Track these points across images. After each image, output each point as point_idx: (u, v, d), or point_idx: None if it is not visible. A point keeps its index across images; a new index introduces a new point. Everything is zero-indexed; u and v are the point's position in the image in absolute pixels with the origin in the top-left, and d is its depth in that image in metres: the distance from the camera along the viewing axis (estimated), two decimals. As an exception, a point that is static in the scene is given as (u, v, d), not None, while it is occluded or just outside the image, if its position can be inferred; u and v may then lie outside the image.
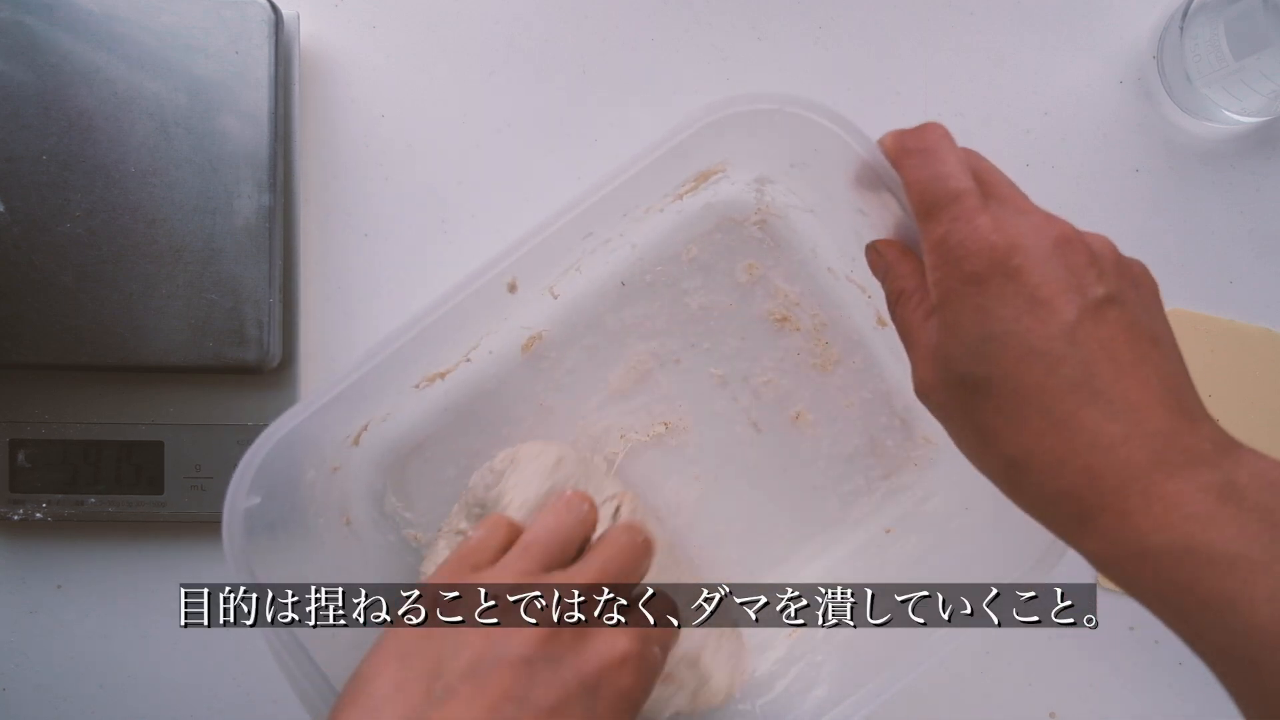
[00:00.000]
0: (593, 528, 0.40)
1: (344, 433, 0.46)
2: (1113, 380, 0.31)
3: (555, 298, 0.49)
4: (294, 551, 0.43)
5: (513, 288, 0.44)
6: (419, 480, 0.50)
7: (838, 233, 0.49)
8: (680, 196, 0.48)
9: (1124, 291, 0.33)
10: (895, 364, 0.50)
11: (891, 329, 0.40)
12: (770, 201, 0.50)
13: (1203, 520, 0.29)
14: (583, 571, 0.37)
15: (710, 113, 0.40)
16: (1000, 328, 0.32)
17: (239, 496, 0.38)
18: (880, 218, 0.41)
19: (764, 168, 0.49)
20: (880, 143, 0.38)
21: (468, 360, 0.49)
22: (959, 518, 0.48)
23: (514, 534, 0.39)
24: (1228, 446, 0.31)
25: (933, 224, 0.34)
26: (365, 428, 0.47)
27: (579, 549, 0.39)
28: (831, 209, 0.48)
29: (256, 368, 0.48)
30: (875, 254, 0.40)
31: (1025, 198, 0.36)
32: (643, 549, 0.39)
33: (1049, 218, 0.34)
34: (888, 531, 0.50)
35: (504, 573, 0.37)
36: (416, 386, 0.47)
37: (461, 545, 0.39)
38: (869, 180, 0.39)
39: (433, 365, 0.47)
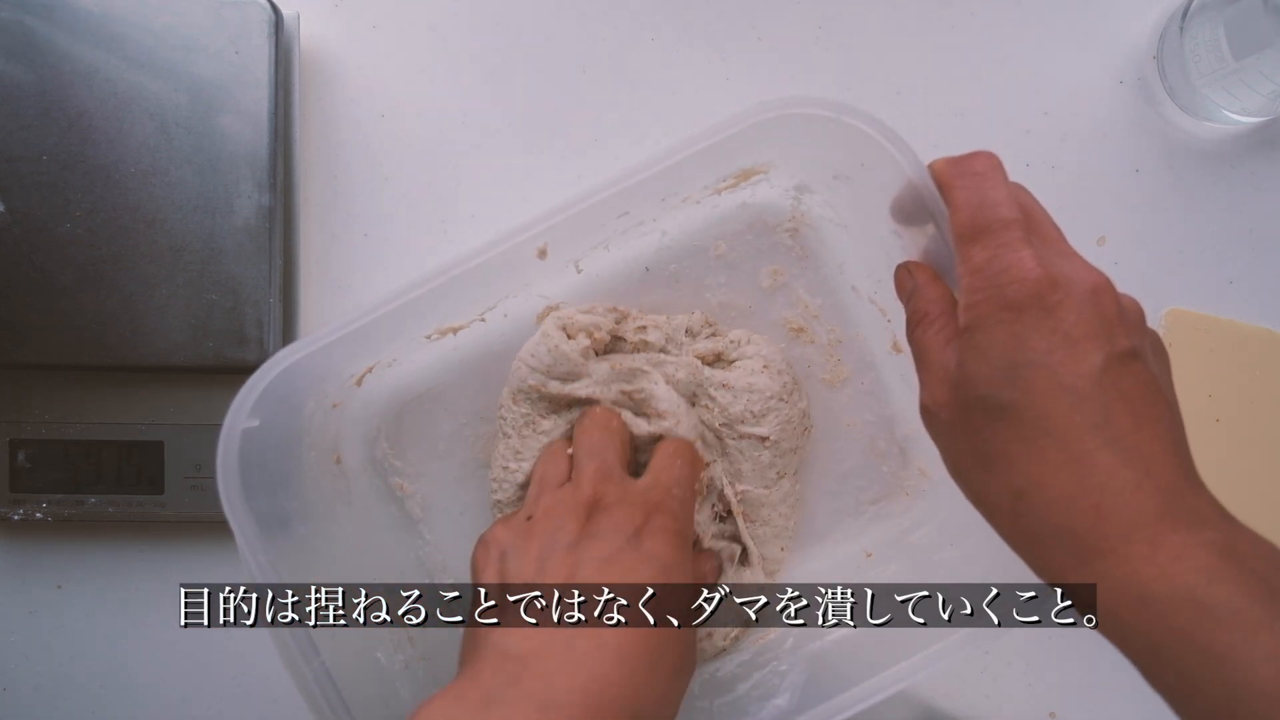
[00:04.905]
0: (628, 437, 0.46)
1: (349, 371, 0.47)
2: (1130, 429, 0.32)
3: (579, 272, 0.49)
4: (282, 480, 0.43)
5: (542, 254, 0.44)
6: (412, 431, 0.50)
7: (868, 252, 0.49)
8: (719, 191, 0.48)
9: (1145, 350, 0.34)
10: (904, 391, 0.50)
11: (905, 356, 0.40)
12: (806, 211, 0.50)
13: (1206, 573, 0.30)
14: (653, 486, 0.43)
15: (765, 110, 0.39)
16: (1032, 357, 0.33)
17: (240, 416, 0.39)
18: (914, 242, 0.41)
19: (806, 176, 0.49)
20: (930, 166, 0.38)
21: (482, 320, 0.49)
22: (943, 552, 0.48)
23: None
24: (1226, 514, 0.32)
25: (976, 248, 0.35)
26: (370, 370, 0.47)
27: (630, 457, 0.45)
28: (866, 228, 0.48)
29: (256, 368, 0.48)
30: (905, 274, 0.40)
31: (1065, 240, 0.36)
32: (694, 461, 0.46)
33: (1087, 265, 0.35)
34: (868, 555, 0.50)
35: (582, 489, 0.42)
36: (428, 337, 0.48)
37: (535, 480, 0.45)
38: (909, 211, 0.40)
39: (448, 318, 0.47)
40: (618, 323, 0.48)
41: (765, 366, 0.48)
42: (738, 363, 0.48)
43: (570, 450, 0.46)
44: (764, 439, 0.47)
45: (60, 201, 0.47)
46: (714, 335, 0.49)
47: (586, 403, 0.47)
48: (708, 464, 0.47)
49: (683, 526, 0.43)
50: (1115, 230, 0.53)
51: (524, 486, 0.47)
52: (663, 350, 0.48)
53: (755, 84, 0.53)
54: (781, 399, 0.48)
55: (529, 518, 0.42)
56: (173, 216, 0.47)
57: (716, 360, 0.49)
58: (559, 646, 0.36)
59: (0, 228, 0.47)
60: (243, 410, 0.39)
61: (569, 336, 0.47)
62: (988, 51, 0.53)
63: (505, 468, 0.47)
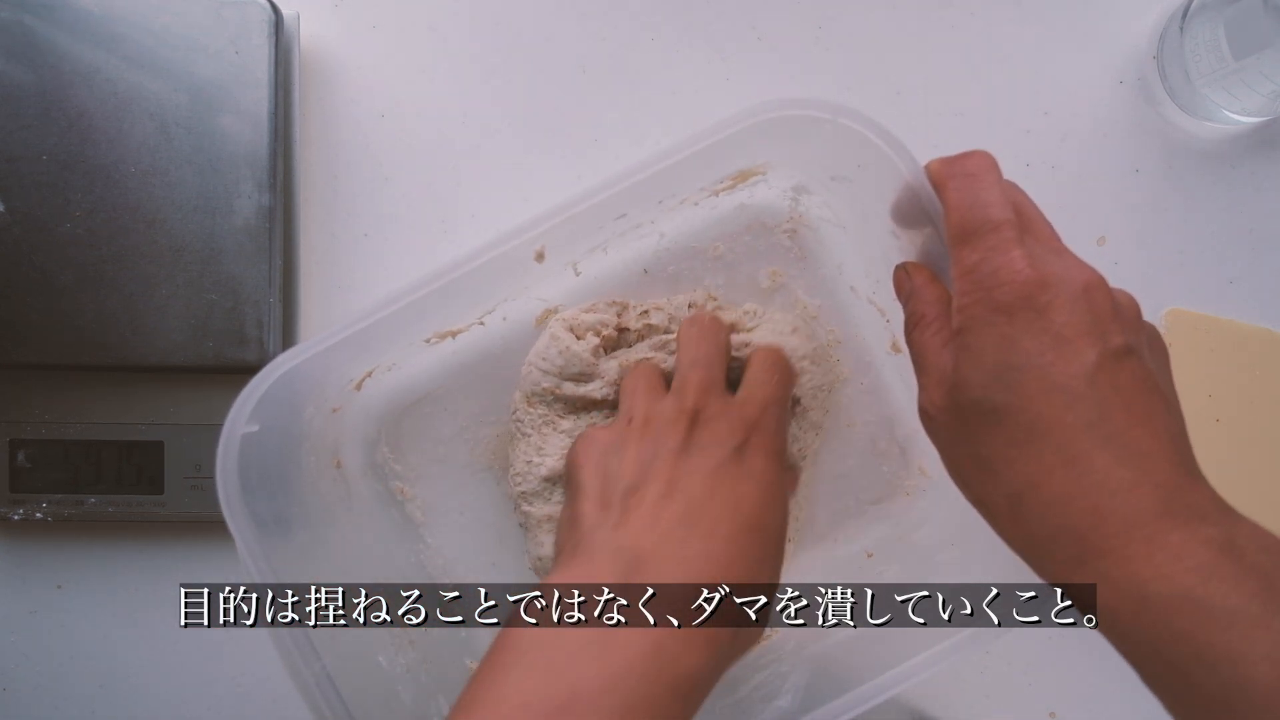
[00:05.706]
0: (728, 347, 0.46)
1: (348, 375, 0.47)
2: (1126, 427, 0.32)
3: (577, 274, 0.49)
4: (281, 485, 0.43)
5: (540, 257, 0.44)
6: (413, 434, 0.50)
7: (866, 253, 0.49)
8: (716, 193, 0.48)
9: (1141, 346, 0.34)
10: (903, 391, 0.50)
11: (904, 357, 0.40)
12: (804, 211, 0.50)
13: (1204, 572, 0.30)
14: (750, 401, 0.43)
15: (762, 112, 0.39)
16: (1024, 359, 0.33)
17: (239, 421, 0.39)
18: (912, 243, 0.41)
19: (804, 176, 0.49)
20: (926, 167, 0.38)
21: (480, 323, 0.49)
22: (944, 552, 0.48)
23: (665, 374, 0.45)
24: (1226, 509, 0.32)
25: (968, 250, 0.35)
26: (370, 374, 0.47)
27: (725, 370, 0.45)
28: (864, 228, 0.48)
29: (256, 368, 0.48)
30: (903, 275, 0.40)
31: (1059, 238, 0.36)
32: (788, 377, 0.45)
33: (1080, 262, 0.35)
34: (869, 556, 0.50)
35: (685, 399, 0.42)
36: (427, 341, 0.48)
37: (627, 399, 0.44)
38: (908, 214, 0.40)
39: (447, 322, 0.47)
40: (620, 315, 0.48)
41: (795, 330, 0.47)
42: (762, 327, 0.47)
43: (662, 367, 0.46)
44: (795, 402, 0.47)
45: (60, 201, 0.47)
46: (720, 310, 0.49)
47: (601, 404, 0.47)
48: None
49: (779, 445, 0.43)
50: (1115, 230, 0.53)
51: (549, 479, 0.47)
52: (667, 330, 0.48)
53: (755, 84, 0.53)
54: (814, 361, 0.47)
55: (629, 421, 0.42)
56: (173, 216, 0.47)
57: (730, 329, 0.48)
58: (671, 550, 0.38)
59: (0, 228, 0.47)
60: (242, 415, 0.39)
61: (577, 337, 0.47)
62: (988, 51, 0.53)
63: (529, 462, 0.47)
